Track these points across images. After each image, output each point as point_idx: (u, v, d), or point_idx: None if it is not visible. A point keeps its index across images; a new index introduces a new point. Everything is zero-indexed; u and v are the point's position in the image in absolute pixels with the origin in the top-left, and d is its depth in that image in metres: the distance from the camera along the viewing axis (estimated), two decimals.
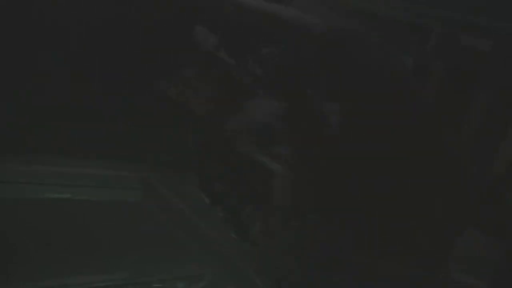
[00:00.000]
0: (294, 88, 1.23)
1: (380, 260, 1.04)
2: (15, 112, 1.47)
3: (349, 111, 1.10)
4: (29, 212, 1.38)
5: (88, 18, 1.56)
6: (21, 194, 1.45)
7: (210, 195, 1.37)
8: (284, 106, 1.23)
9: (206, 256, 1.37)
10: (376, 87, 1.12)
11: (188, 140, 1.50)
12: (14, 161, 1.49)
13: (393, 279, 1.02)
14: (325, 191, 1.15)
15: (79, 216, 1.45)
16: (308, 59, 1.14)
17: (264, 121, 1.22)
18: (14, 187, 1.45)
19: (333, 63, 1.11)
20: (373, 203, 1.08)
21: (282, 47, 1.19)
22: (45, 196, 1.49)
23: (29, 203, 1.44)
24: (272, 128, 1.21)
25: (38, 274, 1.11)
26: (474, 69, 1.33)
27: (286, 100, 1.22)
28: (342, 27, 1.19)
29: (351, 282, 0.94)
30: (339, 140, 1.14)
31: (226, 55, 1.38)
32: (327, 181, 1.15)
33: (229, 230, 1.27)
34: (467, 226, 1.19)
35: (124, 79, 1.64)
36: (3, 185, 1.44)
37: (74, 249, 1.25)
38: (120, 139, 1.64)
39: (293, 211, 1.14)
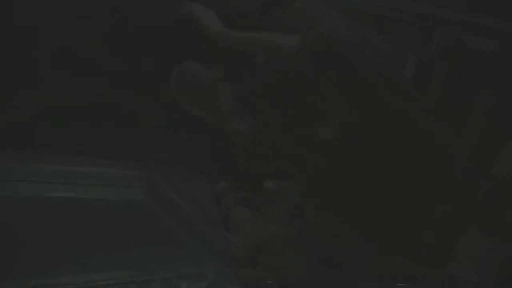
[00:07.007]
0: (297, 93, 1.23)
1: (380, 259, 1.04)
2: (19, 110, 1.48)
3: (348, 111, 1.10)
4: (33, 211, 1.39)
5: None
6: (25, 192, 1.46)
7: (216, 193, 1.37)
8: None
9: (209, 256, 1.37)
10: (377, 88, 1.12)
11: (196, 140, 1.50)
12: (17, 160, 1.50)
13: (394, 278, 1.02)
14: (327, 192, 1.16)
15: (83, 214, 1.46)
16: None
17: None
18: (17, 186, 1.46)
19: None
20: (373, 201, 1.08)
21: None
22: (48, 195, 1.50)
23: (32, 202, 1.45)
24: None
25: (40, 271, 1.12)
26: (476, 69, 1.33)
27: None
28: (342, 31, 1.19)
29: (351, 280, 0.94)
30: (338, 140, 1.14)
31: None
32: (329, 183, 1.16)
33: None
34: (469, 227, 1.19)
35: (130, 78, 1.65)
36: (7, 184, 1.45)
37: (77, 247, 1.26)
38: (124, 138, 1.65)
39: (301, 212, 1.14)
